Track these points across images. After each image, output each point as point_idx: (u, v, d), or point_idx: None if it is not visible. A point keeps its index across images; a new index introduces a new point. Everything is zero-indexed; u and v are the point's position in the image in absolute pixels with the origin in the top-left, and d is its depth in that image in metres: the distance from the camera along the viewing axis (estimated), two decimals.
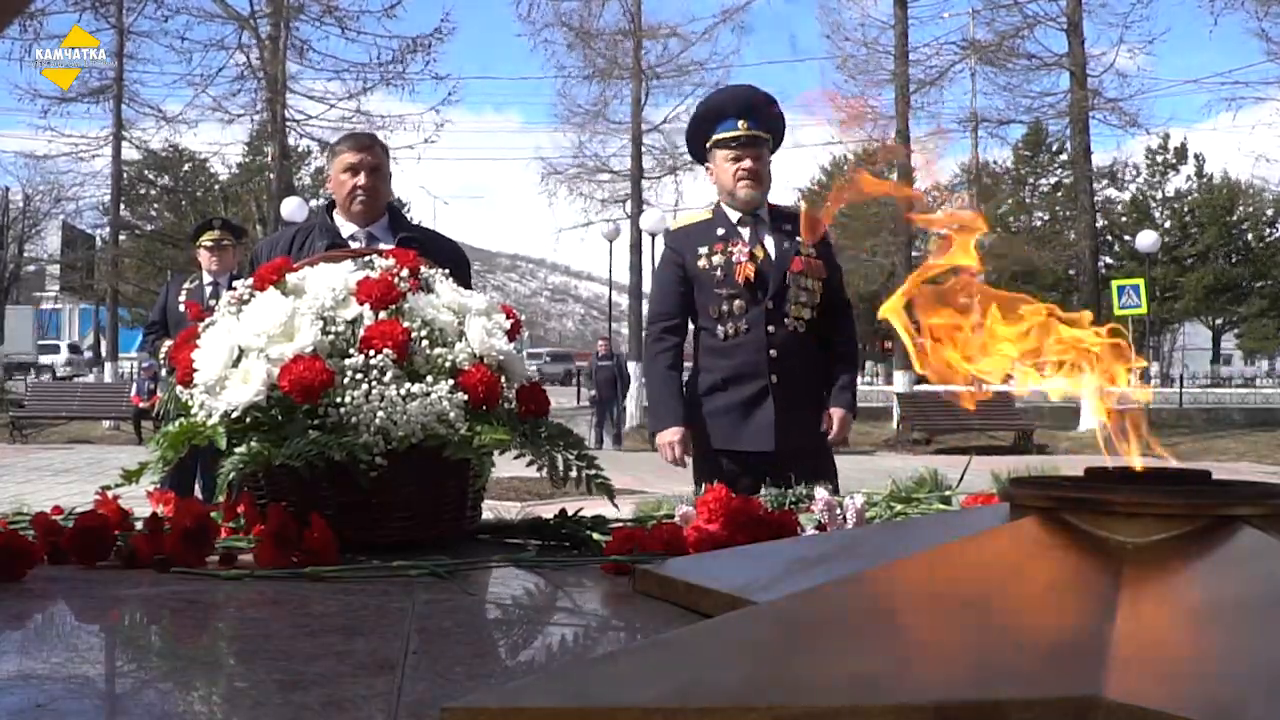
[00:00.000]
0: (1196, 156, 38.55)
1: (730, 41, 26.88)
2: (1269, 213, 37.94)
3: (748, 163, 3.21)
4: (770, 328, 3.18)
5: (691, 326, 3.39)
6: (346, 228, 3.24)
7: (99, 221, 28.78)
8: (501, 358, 1.75)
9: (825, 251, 3.35)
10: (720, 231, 3.25)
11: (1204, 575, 0.99)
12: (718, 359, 3.25)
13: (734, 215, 3.27)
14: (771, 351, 3.17)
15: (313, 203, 21.36)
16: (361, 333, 1.67)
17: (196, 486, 5.23)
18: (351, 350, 1.66)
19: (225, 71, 20.89)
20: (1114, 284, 20.32)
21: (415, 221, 3.94)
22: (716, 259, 3.22)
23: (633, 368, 20.36)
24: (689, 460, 3.28)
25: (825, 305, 3.28)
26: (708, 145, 3.30)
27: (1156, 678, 0.83)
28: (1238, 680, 0.80)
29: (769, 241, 3.25)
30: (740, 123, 3.22)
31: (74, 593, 1.41)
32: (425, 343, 1.70)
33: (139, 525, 1.64)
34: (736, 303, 3.20)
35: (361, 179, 3.20)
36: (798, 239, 3.24)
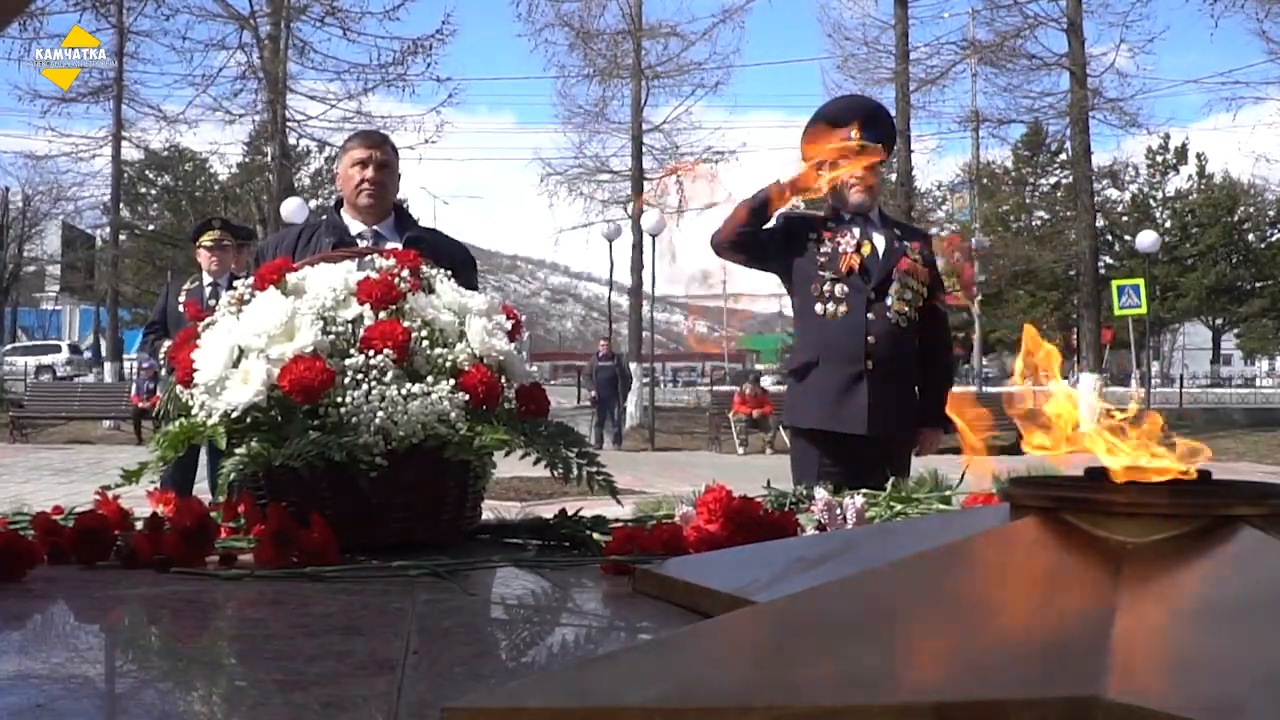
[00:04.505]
0: (1198, 156, 38.54)
1: (730, 41, 26.82)
2: (1270, 213, 37.92)
3: (860, 171, 3.33)
4: (870, 315, 3.27)
5: (789, 300, 3.48)
6: (354, 225, 3.24)
7: (99, 221, 28.77)
8: (502, 358, 1.75)
9: (931, 262, 3.48)
10: (831, 224, 3.37)
11: (1204, 575, 0.99)
12: (815, 335, 3.33)
13: (845, 216, 3.40)
14: (870, 338, 3.24)
15: (313, 203, 21.36)
16: (362, 333, 1.68)
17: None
18: (352, 350, 1.66)
19: (225, 71, 20.87)
20: (1114, 284, 20.30)
21: (418, 221, 3.95)
22: (825, 246, 3.32)
23: (633, 368, 20.36)
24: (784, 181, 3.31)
25: (925, 311, 3.36)
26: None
27: (1156, 678, 0.83)
28: (1238, 680, 0.80)
29: (878, 239, 3.36)
30: (854, 133, 3.33)
31: (74, 593, 1.41)
32: (426, 343, 1.70)
33: (139, 525, 1.64)
34: (839, 286, 3.29)
35: (370, 172, 3.21)
36: (906, 243, 3.38)
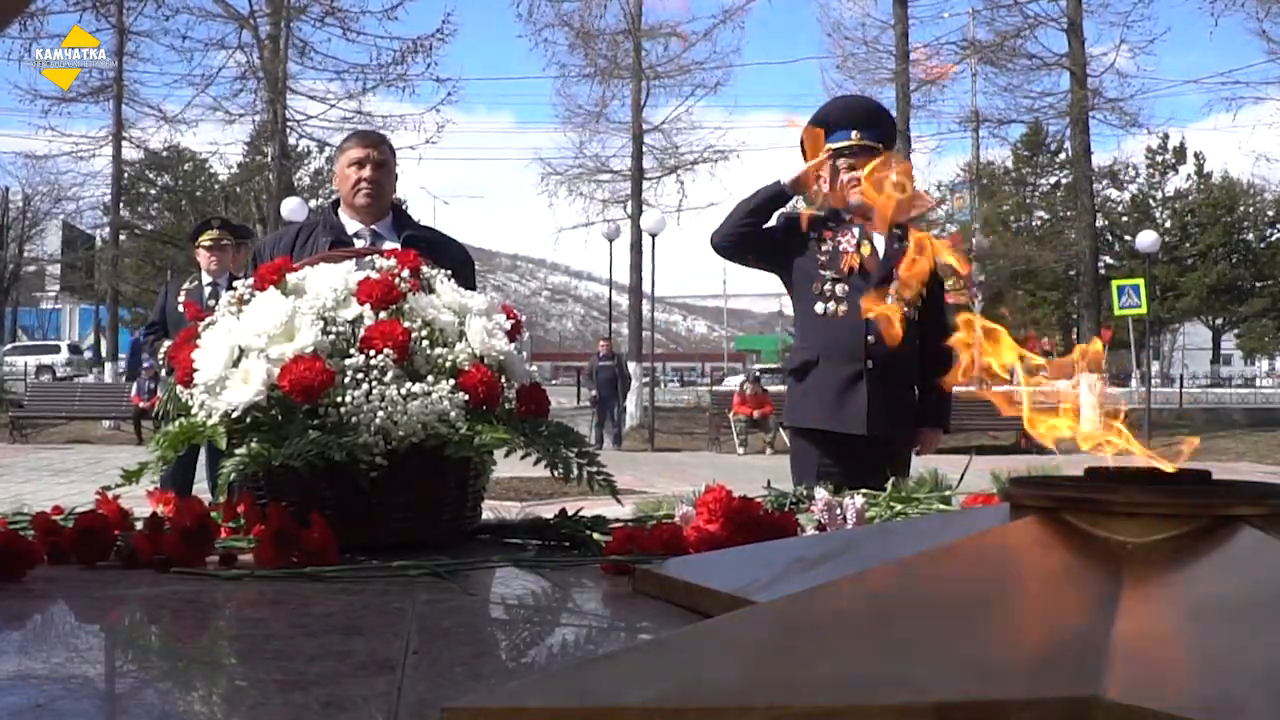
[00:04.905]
0: (1196, 156, 38.57)
1: (730, 41, 26.85)
2: (1269, 213, 37.95)
3: (860, 171, 3.30)
4: (870, 314, 3.25)
5: (789, 299, 3.49)
6: (351, 225, 3.24)
7: (99, 221, 28.81)
8: (502, 358, 1.75)
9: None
10: (831, 223, 3.37)
11: (1204, 575, 0.99)
12: (815, 334, 3.34)
13: (845, 216, 3.40)
14: (870, 337, 3.24)
15: (312, 203, 21.36)
16: (362, 333, 1.68)
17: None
18: (352, 350, 1.66)
19: (225, 71, 20.91)
20: (1114, 284, 20.31)
21: (417, 220, 3.96)
22: (825, 245, 3.32)
23: (633, 368, 20.36)
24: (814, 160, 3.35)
25: (926, 310, 3.35)
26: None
27: (1156, 678, 0.83)
28: (1238, 680, 0.80)
29: (878, 239, 3.36)
30: (854, 133, 3.35)
31: (74, 593, 1.41)
32: (426, 343, 1.70)
33: (139, 525, 1.65)
34: (840, 285, 3.29)
35: (367, 172, 3.20)
36: (907, 242, 3.33)
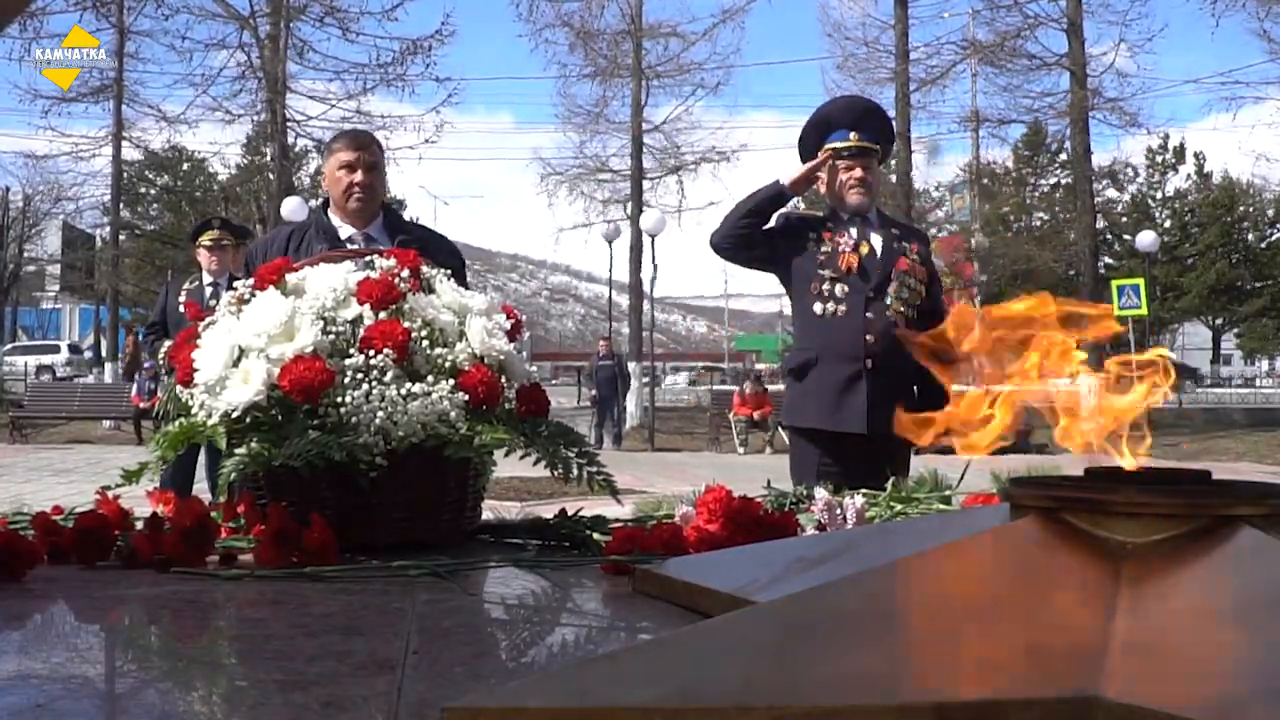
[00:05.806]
0: (1196, 156, 38.59)
1: (730, 41, 26.80)
2: (1269, 212, 37.95)
3: (858, 172, 3.36)
4: (869, 314, 3.29)
5: (789, 300, 3.51)
6: (344, 229, 3.21)
7: (99, 221, 28.79)
8: (502, 358, 1.75)
9: (930, 262, 3.51)
10: (830, 224, 3.40)
11: (1204, 575, 0.98)
12: (814, 334, 3.35)
13: (844, 216, 3.42)
14: (869, 336, 3.25)
15: (312, 203, 21.36)
16: (362, 333, 1.68)
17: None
18: (352, 350, 1.66)
19: (225, 71, 20.89)
20: (1114, 284, 20.30)
21: (414, 220, 3.94)
22: (824, 246, 3.34)
23: (633, 367, 20.36)
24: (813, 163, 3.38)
25: (924, 310, 3.36)
26: (819, 154, 3.42)
27: (1156, 678, 0.83)
28: (1238, 680, 0.80)
29: (876, 240, 3.38)
30: (852, 134, 3.37)
31: (74, 593, 1.41)
32: (426, 343, 1.70)
33: (139, 525, 1.65)
34: (839, 286, 3.30)
35: (359, 176, 3.17)
36: (905, 243, 3.41)
